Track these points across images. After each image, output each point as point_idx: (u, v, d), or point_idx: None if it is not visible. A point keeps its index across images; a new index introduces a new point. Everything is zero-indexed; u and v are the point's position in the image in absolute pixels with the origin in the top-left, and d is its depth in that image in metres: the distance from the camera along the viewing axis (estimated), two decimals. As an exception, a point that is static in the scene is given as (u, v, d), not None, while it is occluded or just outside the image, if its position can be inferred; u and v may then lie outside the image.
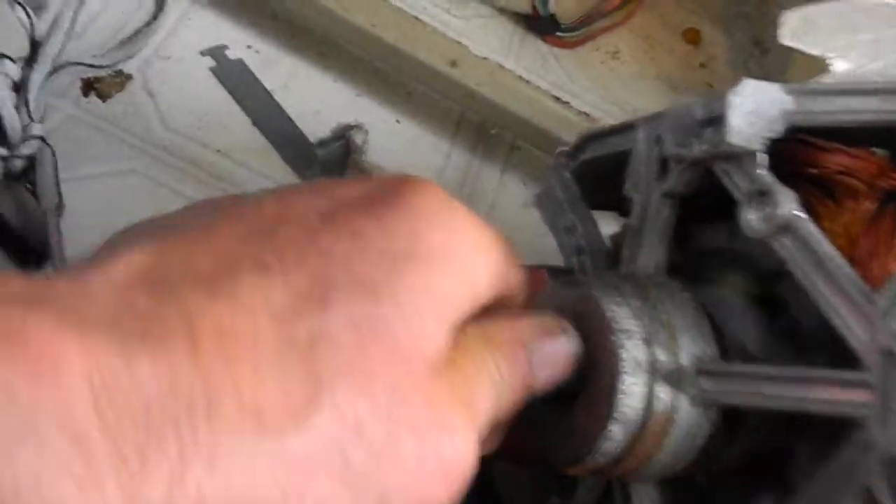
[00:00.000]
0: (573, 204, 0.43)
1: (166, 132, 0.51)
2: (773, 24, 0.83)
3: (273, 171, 0.53)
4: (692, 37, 0.79)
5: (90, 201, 0.47)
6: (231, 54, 0.56)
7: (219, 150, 0.52)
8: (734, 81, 0.33)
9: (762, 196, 0.31)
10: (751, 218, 0.31)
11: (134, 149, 0.50)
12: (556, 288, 0.35)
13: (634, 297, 0.32)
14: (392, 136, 0.59)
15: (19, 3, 0.38)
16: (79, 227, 0.45)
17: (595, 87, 0.69)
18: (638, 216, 0.37)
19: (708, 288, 0.36)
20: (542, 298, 0.34)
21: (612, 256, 0.41)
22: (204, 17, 0.57)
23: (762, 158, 0.32)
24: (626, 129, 0.40)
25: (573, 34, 0.70)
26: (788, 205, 0.30)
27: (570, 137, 0.61)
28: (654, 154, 0.37)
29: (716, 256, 0.38)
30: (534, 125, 0.59)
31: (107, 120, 0.50)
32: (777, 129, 0.32)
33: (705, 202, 0.36)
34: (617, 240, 0.42)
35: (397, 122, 0.60)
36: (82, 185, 0.46)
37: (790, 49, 0.79)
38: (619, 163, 0.39)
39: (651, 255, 0.37)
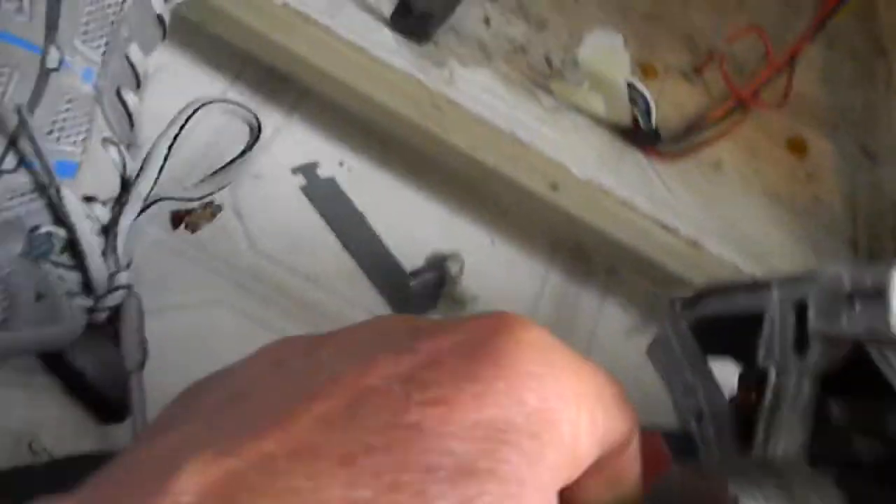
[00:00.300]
0: (692, 361, 0.39)
1: (255, 257, 0.49)
2: (881, 131, 0.80)
3: (363, 299, 0.50)
4: (797, 146, 0.75)
5: (173, 333, 0.44)
6: (322, 171, 0.54)
7: (308, 277, 0.50)
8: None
9: (931, 392, 0.28)
10: (918, 418, 0.27)
11: (221, 276, 0.48)
12: (681, 476, 0.32)
13: (777, 497, 0.28)
14: (487, 258, 0.56)
15: (114, 143, 0.36)
16: (162, 361, 0.42)
17: (697, 202, 0.65)
18: (774, 393, 0.33)
19: (855, 480, 0.32)
20: (664, 487, 0.31)
21: (737, 424, 0.37)
22: (295, 132, 0.55)
23: (930, 348, 0.28)
24: (757, 287, 0.36)
25: (675, 147, 0.66)
26: (966, 409, 0.26)
27: (673, 264, 0.58)
28: (792, 322, 0.34)
29: (861, 439, 0.34)
30: (635, 250, 0.55)
31: (194, 245, 0.48)
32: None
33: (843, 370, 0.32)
34: (739, 403, 0.38)
35: (492, 243, 0.57)
36: (165, 317, 0.44)
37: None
38: (746, 322, 0.36)
39: (790, 439, 0.33)
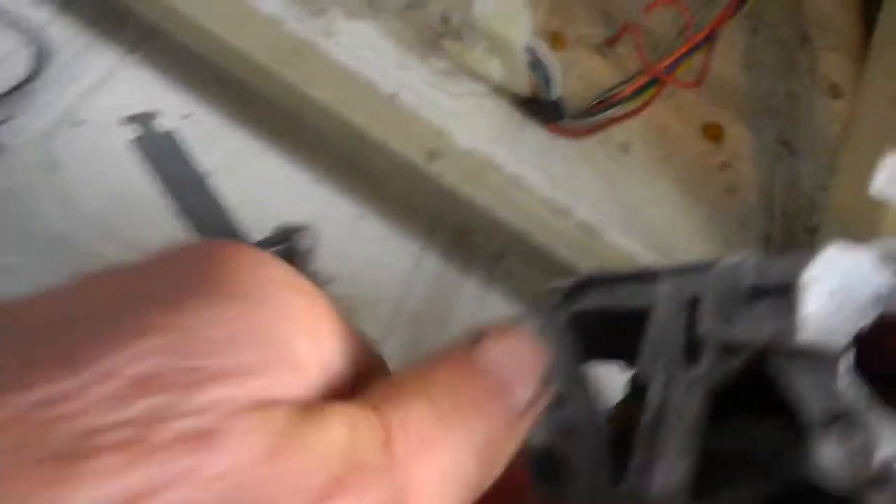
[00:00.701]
0: (566, 366, 0.32)
1: (63, 217, 0.41)
2: (802, 124, 0.75)
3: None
4: (713, 133, 0.69)
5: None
6: (162, 124, 0.46)
7: (128, 243, 0.42)
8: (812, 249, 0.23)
9: (845, 422, 0.21)
10: (828, 455, 0.21)
11: (15, 239, 0.39)
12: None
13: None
14: (353, 235, 0.48)
15: None
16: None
17: (600, 185, 0.59)
18: (656, 408, 0.27)
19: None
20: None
21: (614, 444, 0.31)
22: (133, 76, 0.47)
23: (847, 363, 0.22)
24: (642, 278, 0.30)
25: (579, 122, 0.60)
26: (890, 444, 0.20)
27: (565, 252, 0.51)
28: (682, 323, 0.27)
29: (746, 466, 0.28)
30: (523, 234, 0.48)
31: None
32: (867, 318, 0.22)
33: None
34: (617, 419, 0.32)
35: (361, 217, 0.49)
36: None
37: (828, 154, 0.70)
38: (632, 320, 0.30)
39: (672, 466, 0.26)
